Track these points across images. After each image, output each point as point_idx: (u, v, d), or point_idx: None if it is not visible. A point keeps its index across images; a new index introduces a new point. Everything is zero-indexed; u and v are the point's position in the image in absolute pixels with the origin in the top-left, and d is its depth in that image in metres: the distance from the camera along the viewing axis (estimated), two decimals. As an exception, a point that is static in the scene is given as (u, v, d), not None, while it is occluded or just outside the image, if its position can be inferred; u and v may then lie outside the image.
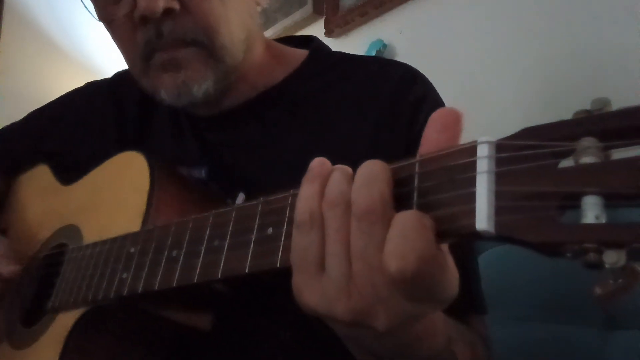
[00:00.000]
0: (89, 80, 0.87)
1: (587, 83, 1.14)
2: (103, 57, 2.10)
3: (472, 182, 0.31)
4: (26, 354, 0.60)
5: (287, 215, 0.40)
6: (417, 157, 0.34)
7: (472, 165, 0.31)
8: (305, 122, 0.66)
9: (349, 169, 0.36)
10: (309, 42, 0.75)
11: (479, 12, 1.37)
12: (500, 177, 0.30)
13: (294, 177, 0.61)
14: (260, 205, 0.42)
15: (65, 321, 0.56)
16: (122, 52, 0.66)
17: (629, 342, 0.80)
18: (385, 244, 0.31)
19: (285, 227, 0.39)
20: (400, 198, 0.33)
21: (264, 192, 0.59)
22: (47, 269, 0.65)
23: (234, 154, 0.67)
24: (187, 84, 0.61)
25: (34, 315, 0.62)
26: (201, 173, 0.66)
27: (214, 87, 0.62)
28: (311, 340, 0.57)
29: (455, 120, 0.34)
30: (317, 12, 1.81)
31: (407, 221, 0.31)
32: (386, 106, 0.64)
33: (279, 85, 0.69)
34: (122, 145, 0.72)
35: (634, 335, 0.79)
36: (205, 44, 0.61)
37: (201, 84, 0.61)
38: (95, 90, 0.82)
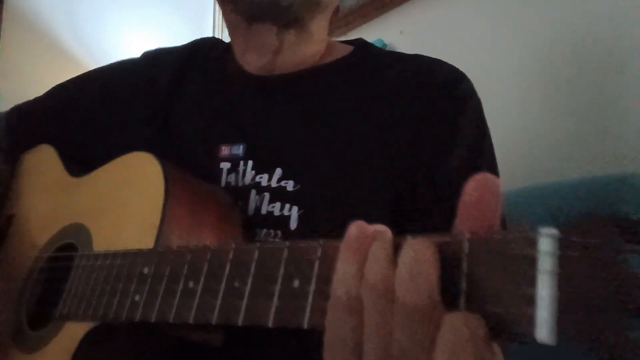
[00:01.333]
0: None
1: (588, 84, 1.12)
2: (105, 57, 2.06)
3: (532, 281, 0.28)
4: (34, 359, 0.58)
5: (316, 270, 0.37)
6: (466, 235, 0.31)
7: (532, 261, 0.28)
8: (345, 107, 0.65)
9: (390, 236, 0.33)
10: (355, 42, 0.75)
11: (479, 12, 1.35)
12: (564, 280, 0.27)
13: (329, 159, 0.61)
14: (285, 251, 0.39)
15: (73, 332, 0.55)
16: None
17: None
18: (434, 349, 0.28)
19: (313, 285, 0.36)
20: (445, 282, 0.30)
21: (300, 171, 0.61)
22: (54, 272, 0.63)
23: (271, 129, 0.66)
24: None
25: (39, 318, 0.61)
26: (239, 150, 0.65)
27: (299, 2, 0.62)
28: (320, 349, 0.56)
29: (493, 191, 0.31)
30: None
31: (460, 329, 0.28)
32: (433, 101, 0.63)
33: (324, 67, 0.69)
34: (153, 123, 0.71)
35: None
36: None
37: None
38: (123, 70, 0.80)
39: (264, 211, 0.61)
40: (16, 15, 2.12)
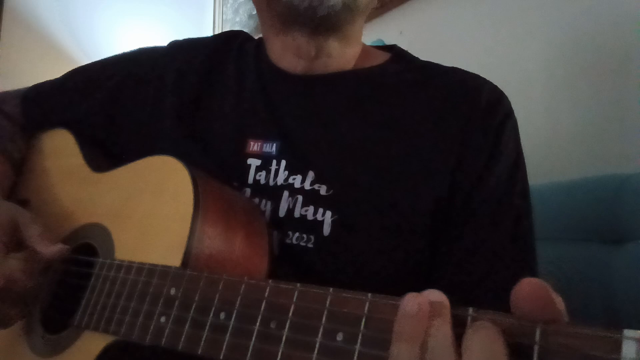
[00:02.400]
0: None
1: (587, 84, 1.10)
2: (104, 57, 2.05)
3: (615, 391, 0.26)
4: (48, 365, 0.57)
5: (362, 329, 0.35)
6: (540, 324, 0.29)
7: (615, 367, 0.26)
8: (384, 115, 0.63)
9: (448, 314, 0.31)
10: (391, 48, 0.73)
11: (479, 12, 1.33)
12: (649, 392, 0.25)
13: (365, 166, 0.60)
14: (328, 301, 0.37)
15: (91, 345, 0.53)
16: None
17: (631, 254, 0.79)
18: None
19: (359, 346, 0.34)
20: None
21: (333, 176, 0.59)
22: (72, 275, 0.61)
23: (306, 128, 0.64)
24: None
25: (54, 321, 0.59)
26: (272, 148, 0.63)
27: (342, 8, 0.61)
28: None
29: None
30: None
31: None
32: (477, 116, 0.62)
33: (365, 71, 0.68)
34: (182, 112, 0.69)
35: (636, 246, 0.79)
36: None
37: None
38: (151, 55, 0.77)
39: (297, 214, 0.59)
40: (16, 15, 2.10)
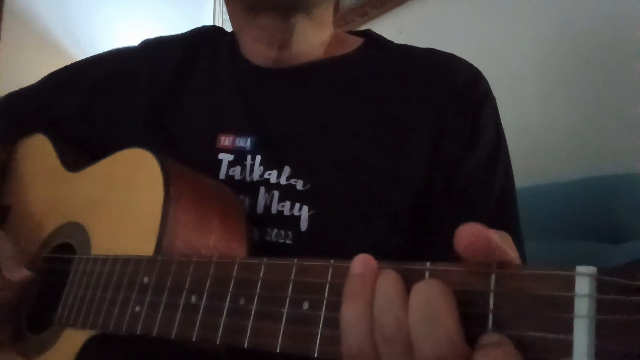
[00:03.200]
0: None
1: (586, 83, 1.10)
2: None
3: (569, 327, 0.25)
4: (33, 365, 0.57)
5: (327, 296, 0.34)
6: (493, 267, 0.28)
7: (569, 304, 0.25)
8: (359, 103, 0.62)
9: (394, 275, 0.31)
10: (363, 34, 0.72)
11: (478, 11, 1.33)
12: (602, 328, 0.25)
13: (341, 158, 0.58)
14: (293, 272, 0.37)
15: (73, 340, 0.53)
16: None
17: (629, 252, 0.79)
18: None
19: (323, 312, 0.34)
20: (470, 321, 0.28)
21: (309, 170, 0.58)
22: (52, 274, 0.60)
23: (283, 119, 0.63)
24: None
25: (39, 322, 0.59)
26: (246, 143, 0.62)
27: None
28: None
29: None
30: None
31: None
32: (454, 97, 0.60)
33: (340, 59, 0.66)
34: (154, 111, 0.68)
35: (633, 245, 0.79)
36: None
37: None
38: (123, 56, 0.77)
39: (274, 210, 0.58)
40: (16, 15, 2.10)
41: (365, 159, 0.59)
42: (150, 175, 0.54)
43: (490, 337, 0.27)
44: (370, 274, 0.31)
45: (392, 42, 0.70)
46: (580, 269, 0.26)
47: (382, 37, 0.71)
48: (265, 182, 0.60)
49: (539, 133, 1.14)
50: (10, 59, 2.01)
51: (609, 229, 0.80)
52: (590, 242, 0.82)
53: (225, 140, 0.63)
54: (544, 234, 0.82)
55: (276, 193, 0.59)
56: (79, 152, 0.73)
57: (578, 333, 0.25)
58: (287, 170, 0.59)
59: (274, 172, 0.60)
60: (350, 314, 0.31)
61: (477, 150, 0.59)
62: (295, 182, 0.58)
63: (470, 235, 0.28)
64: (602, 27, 1.08)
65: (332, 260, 0.35)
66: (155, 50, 0.75)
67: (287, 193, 0.58)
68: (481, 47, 1.30)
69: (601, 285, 0.25)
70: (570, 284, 0.26)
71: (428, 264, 0.31)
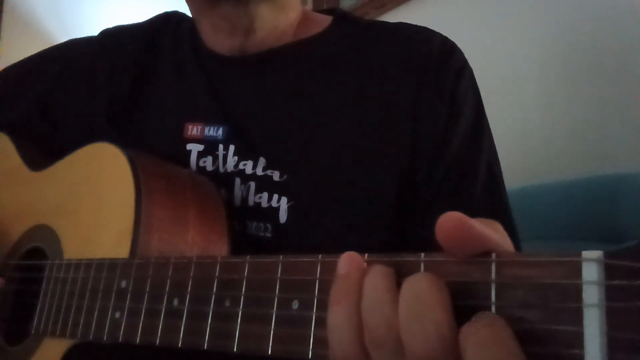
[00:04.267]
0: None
1: (586, 83, 1.09)
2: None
3: (579, 318, 0.24)
4: (12, 378, 0.54)
5: (317, 294, 0.32)
6: (493, 257, 0.27)
7: (577, 292, 0.24)
8: (332, 85, 0.59)
9: (383, 271, 0.29)
10: (333, 11, 0.68)
11: (479, 12, 1.33)
12: (612, 316, 0.23)
13: (317, 145, 0.56)
14: (279, 270, 0.35)
15: (53, 349, 0.50)
16: None
17: None
18: None
19: (315, 311, 0.32)
20: (471, 315, 0.26)
21: (285, 160, 0.55)
22: (25, 282, 0.57)
23: (253, 111, 0.60)
24: None
25: (15, 332, 0.56)
26: (217, 132, 0.59)
27: None
28: None
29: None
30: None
31: (485, 340, 0.24)
32: (429, 70, 0.58)
33: (309, 40, 0.63)
34: (116, 103, 0.64)
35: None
36: None
37: None
38: (81, 47, 0.72)
39: (251, 202, 0.56)
40: (16, 15, 2.08)
41: (343, 144, 0.56)
42: (119, 170, 0.51)
43: (479, 316, 0.26)
44: (356, 273, 0.29)
45: (361, 18, 0.67)
46: (586, 254, 0.24)
47: (352, 14, 0.68)
48: (241, 173, 0.57)
49: (541, 133, 1.13)
50: (10, 59, 1.96)
51: (611, 230, 0.80)
52: (591, 242, 0.81)
53: (193, 130, 0.60)
54: (545, 234, 0.81)
55: (252, 184, 0.56)
56: (41, 150, 0.69)
57: (588, 323, 0.23)
58: (262, 161, 0.56)
59: (250, 163, 0.57)
60: (337, 318, 0.29)
61: (460, 122, 0.56)
62: (272, 173, 0.56)
63: (450, 226, 0.26)
64: (604, 28, 1.07)
65: (319, 256, 0.33)
66: (114, 40, 0.71)
67: (264, 184, 0.56)
68: (482, 47, 1.28)
69: (609, 270, 0.24)
70: (576, 270, 0.24)
71: (422, 255, 0.29)
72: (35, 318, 0.53)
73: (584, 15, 1.11)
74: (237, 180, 0.56)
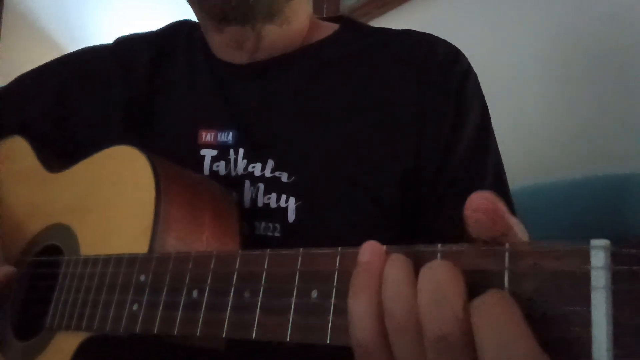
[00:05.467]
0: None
1: (589, 82, 1.10)
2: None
3: (587, 299, 0.25)
4: (23, 372, 0.55)
5: (335, 284, 0.34)
6: (507, 246, 0.29)
7: (586, 277, 0.26)
8: (339, 89, 0.62)
9: (402, 260, 0.31)
10: (339, 19, 0.70)
11: (480, 12, 1.33)
12: (619, 298, 0.25)
13: (325, 147, 0.58)
14: (299, 262, 0.37)
15: (65, 344, 0.51)
16: None
17: None
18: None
19: (333, 299, 0.34)
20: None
21: (293, 162, 0.57)
22: (39, 278, 0.59)
23: (263, 112, 0.62)
24: None
25: (26, 328, 0.57)
26: (228, 137, 0.61)
27: None
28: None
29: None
30: (317, 12, 1.72)
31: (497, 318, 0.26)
32: (434, 75, 0.60)
33: (316, 45, 0.65)
34: (131, 109, 0.67)
35: None
36: None
37: None
38: (95, 54, 0.75)
39: (260, 203, 0.58)
40: (16, 15, 2.09)
41: (349, 145, 0.58)
42: (139, 171, 0.53)
43: (490, 293, 0.27)
44: (377, 261, 0.31)
45: (368, 25, 0.70)
46: (594, 242, 0.26)
47: (358, 21, 0.70)
48: (250, 175, 0.59)
49: (544, 133, 1.14)
50: (10, 59, 1.99)
51: (616, 229, 0.80)
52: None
53: (207, 136, 0.62)
54: (547, 234, 0.82)
55: (261, 186, 0.58)
56: (58, 154, 0.71)
57: (596, 305, 0.25)
58: (270, 163, 0.59)
59: (258, 165, 0.59)
60: (359, 305, 0.30)
61: (466, 127, 0.58)
62: (280, 174, 0.58)
63: (481, 201, 0.28)
64: (608, 28, 1.08)
65: (339, 248, 0.35)
66: (128, 47, 0.74)
67: (273, 185, 0.58)
68: (484, 47, 1.28)
69: (615, 257, 0.25)
70: (585, 257, 0.26)
71: (439, 245, 0.31)
72: (50, 312, 0.54)
73: (587, 16, 1.11)
74: (247, 183, 0.59)
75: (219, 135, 0.62)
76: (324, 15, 1.69)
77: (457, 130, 0.58)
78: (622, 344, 0.25)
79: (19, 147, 0.71)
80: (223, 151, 0.61)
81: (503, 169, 0.60)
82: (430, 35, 0.65)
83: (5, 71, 1.88)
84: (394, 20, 1.53)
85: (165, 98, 0.67)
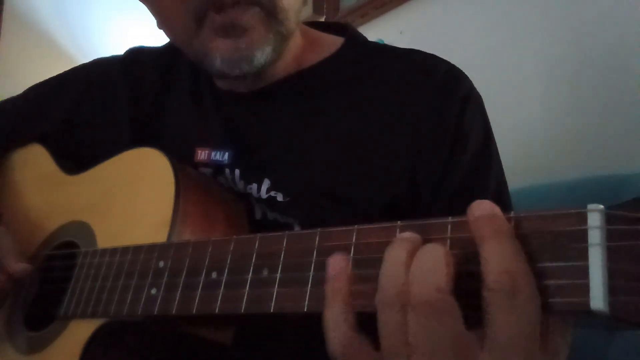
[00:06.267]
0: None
1: (588, 83, 1.12)
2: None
3: (584, 254, 0.29)
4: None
5: (353, 255, 0.37)
6: (512, 214, 0.32)
7: (583, 235, 0.29)
8: (339, 109, 0.62)
9: (403, 244, 0.34)
10: (343, 29, 0.70)
11: (480, 12, 1.34)
12: (613, 253, 0.28)
13: (320, 167, 0.59)
14: (317, 239, 0.39)
15: (80, 331, 0.53)
16: (164, 16, 0.61)
17: (629, 341, 0.81)
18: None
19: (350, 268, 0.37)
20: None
21: (288, 182, 0.58)
22: (54, 271, 0.61)
23: (260, 136, 0.63)
24: (250, 50, 0.56)
25: (39, 319, 0.59)
26: (223, 157, 0.62)
27: (272, 55, 0.57)
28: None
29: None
30: (318, 12, 1.76)
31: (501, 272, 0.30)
32: (433, 100, 0.60)
33: (314, 68, 0.65)
34: (136, 124, 0.68)
35: (633, 334, 0.81)
36: (266, 4, 0.55)
37: (264, 50, 0.56)
38: (105, 67, 0.77)
39: (271, 217, 0.60)
40: (16, 15, 2.10)
41: (345, 167, 0.59)
42: (159, 169, 0.56)
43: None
44: (343, 274, 0.36)
45: (371, 42, 0.69)
46: (591, 206, 0.29)
47: (362, 36, 0.69)
48: (249, 197, 0.60)
49: (544, 133, 1.14)
50: (10, 59, 2.01)
51: None
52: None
53: (202, 154, 0.64)
54: None
55: (259, 207, 0.60)
56: (71, 157, 0.73)
57: (593, 259, 0.28)
58: (266, 182, 0.60)
59: (254, 186, 0.60)
60: (332, 313, 0.35)
61: (465, 154, 0.58)
62: (275, 194, 0.59)
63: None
64: (608, 29, 1.09)
65: (355, 225, 0.38)
66: (138, 61, 0.75)
67: (270, 206, 0.59)
68: (483, 48, 1.29)
69: (610, 218, 0.29)
70: (583, 219, 0.29)
71: (450, 218, 0.34)
72: (65, 302, 0.55)
73: (588, 17, 1.12)
74: (253, 199, 0.60)
75: (212, 154, 0.63)
76: (324, 17, 1.71)
77: (454, 157, 0.58)
78: (615, 292, 0.28)
79: (38, 154, 0.74)
80: (218, 170, 0.62)
81: (505, 189, 0.60)
82: (433, 57, 0.65)
83: (6, 71, 1.92)
84: (393, 21, 1.54)
85: (169, 118, 0.69)
